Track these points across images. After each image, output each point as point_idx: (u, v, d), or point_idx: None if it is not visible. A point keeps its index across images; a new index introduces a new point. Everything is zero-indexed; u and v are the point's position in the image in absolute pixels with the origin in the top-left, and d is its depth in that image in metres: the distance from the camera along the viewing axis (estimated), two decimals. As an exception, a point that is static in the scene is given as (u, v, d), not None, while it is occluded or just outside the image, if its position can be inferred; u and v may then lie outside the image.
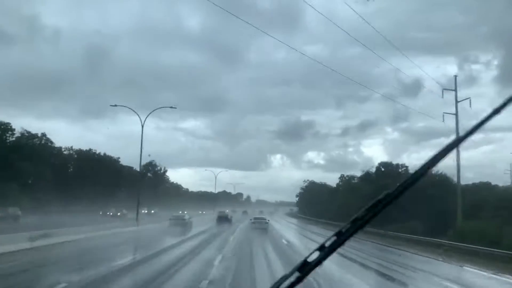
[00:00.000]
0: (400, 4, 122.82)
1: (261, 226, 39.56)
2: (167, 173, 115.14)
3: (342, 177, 67.07)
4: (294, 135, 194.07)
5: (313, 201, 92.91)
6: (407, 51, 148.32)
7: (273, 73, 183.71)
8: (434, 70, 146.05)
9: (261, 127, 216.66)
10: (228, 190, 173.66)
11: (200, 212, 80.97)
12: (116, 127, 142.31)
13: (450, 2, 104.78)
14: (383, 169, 51.24)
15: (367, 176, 52.98)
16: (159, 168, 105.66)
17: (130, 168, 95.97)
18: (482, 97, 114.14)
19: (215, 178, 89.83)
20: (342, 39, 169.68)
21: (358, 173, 62.62)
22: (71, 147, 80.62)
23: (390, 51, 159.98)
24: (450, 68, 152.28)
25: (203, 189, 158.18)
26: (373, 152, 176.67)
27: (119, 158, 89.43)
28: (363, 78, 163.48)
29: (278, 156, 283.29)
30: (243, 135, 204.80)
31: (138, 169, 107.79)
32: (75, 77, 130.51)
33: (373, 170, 53.88)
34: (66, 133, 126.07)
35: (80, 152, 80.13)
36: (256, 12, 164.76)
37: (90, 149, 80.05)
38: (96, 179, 69.28)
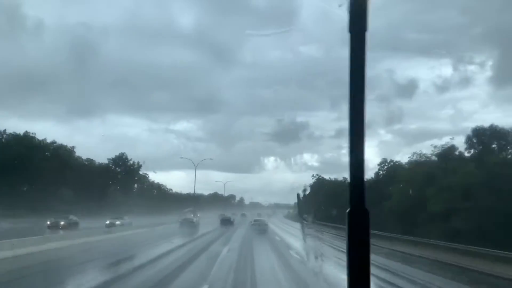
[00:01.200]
0: (395, 4, 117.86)
1: (260, 227, 42.80)
2: (152, 173, 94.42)
3: (385, 162, 45.36)
4: (289, 137, 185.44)
5: (327, 202, 72.36)
6: (401, 52, 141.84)
7: (267, 73, 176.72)
8: (429, 71, 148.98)
9: (254, 129, 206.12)
10: (219, 192, 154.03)
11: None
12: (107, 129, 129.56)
13: (444, 3, 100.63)
14: (482, 139, 30.03)
15: (448, 153, 31.78)
16: (131, 162, 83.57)
17: (91, 162, 74.08)
18: (476, 98, 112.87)
19: (195, 167, 68.58)
20: (337, 39, 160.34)
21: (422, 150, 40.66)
22: (4, 130, 58.71)
23: (384, 52, 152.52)
24: (445, 69, 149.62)
25: (198, 192, 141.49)
26: (367, 154, 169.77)
27: (73, 147, 67.45)
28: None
29: (272, 158, 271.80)
30: (237, 137, 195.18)
31: (105, 163, 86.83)
32: (56, 74, 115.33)
33: (456, 143, 32.17)
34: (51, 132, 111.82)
35: (15, 137, 58.04)
36: (250, 10, 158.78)
37: (27, 132, 57.74)
38: (25, 173, 47.33)
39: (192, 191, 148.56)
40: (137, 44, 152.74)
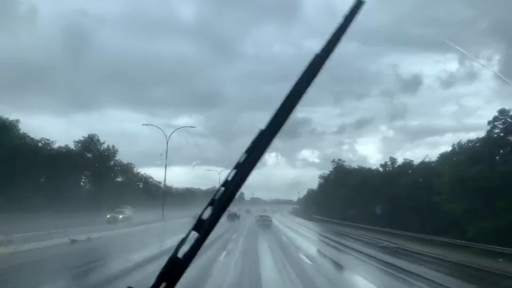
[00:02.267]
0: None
1: (264, 223, 46.52)
2: (140, 167, 78.02)
3: (505, 116, 26.09)
4: (290, 132, 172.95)
5: (358, 197, 55.57)
6: (406, 46, 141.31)
7: (269, 68, 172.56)
8: (433, 65, 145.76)
9: (255, 124, 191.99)
10: (217, 186, 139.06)
11: None
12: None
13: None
14: None
15: None
16: (103, 146, 65.33)
17: (46, 143, 55.91)
18: (483, 93, 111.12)
19: (167, 139, 53.98)
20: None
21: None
22: None
23: (388, 46, 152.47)
24: (450, 64, 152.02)
25: (195, 187, 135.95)
26: (369, 150, 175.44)
27: (17, 121, 49.59)
28: (361, 74, 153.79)
29: (273, 154, 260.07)
30: (238, 132, 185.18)
31: (71, 147, 67.96)
32: (51, 65, 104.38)
33: None
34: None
35: None
36: (253, 2, 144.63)
37: None
38: None
39: (189, 186, 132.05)
40: (135, 34, 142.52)
